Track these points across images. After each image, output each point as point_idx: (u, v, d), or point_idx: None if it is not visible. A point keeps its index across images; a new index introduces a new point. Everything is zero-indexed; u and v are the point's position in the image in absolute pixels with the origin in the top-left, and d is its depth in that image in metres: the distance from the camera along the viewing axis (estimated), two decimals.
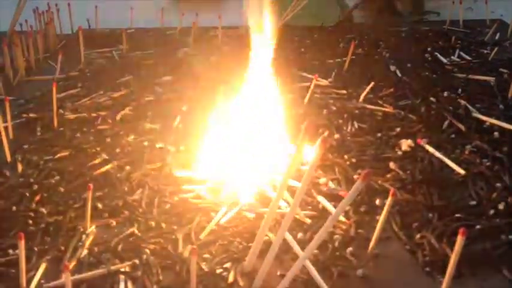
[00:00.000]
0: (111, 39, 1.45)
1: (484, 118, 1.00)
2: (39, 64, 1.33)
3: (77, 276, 0.63)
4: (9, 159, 0.90)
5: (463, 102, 1.06)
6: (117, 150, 0.91)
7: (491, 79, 1.16)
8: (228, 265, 0.67)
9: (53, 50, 1.41)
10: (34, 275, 0.65)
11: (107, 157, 0.89)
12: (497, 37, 1.47)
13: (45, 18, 1.45)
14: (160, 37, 1.48)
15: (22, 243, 0.60)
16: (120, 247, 0.70)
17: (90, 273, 0.65)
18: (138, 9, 1.56)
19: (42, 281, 0.65)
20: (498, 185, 0.82)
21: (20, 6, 1.43)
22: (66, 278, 0.57)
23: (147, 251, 0.69)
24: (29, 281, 0.64)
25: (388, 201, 0.69)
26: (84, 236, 0.72)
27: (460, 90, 1.13)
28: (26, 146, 0.94)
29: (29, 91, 1.17)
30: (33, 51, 1.32)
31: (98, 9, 1.49)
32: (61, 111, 1.03)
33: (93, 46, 1.39)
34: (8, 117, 0.96)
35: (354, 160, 0.88)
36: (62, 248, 0.70)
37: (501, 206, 0.77)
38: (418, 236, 0.72)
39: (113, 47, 1.40)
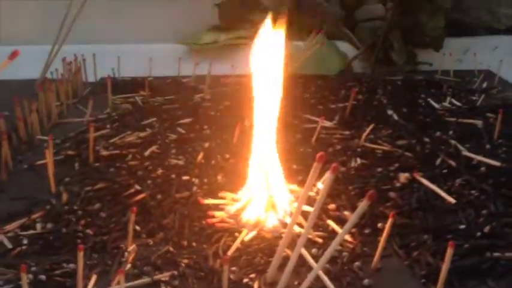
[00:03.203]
0: (133, 86, 1.58)
1: (472, 156, 1.12)
2: (69, 109, 1.46)
3: (126, 284, 0.74)
4: (53, 190, 1.02)
5: (453, 142, 1.19)
6: (148, 181, 1.03)
7: (479, 122, 1.29)
8: (252, 276, 0.78)
9: (80, 96, 1.55)
10: (87, 284, 0.76)
11: (139, 188, 1.00)
12: (484, 85, 1.61)
13: (73, 67, 1.59)
14: (177, 84, 1.62)
15: (81, 254, 0.71)
16: (159, 262, 0.81)
17: (136, 282, 0.76)
18: (156, 59, 1.69)
19: None
20: (484, 212, 0.93)
21: (52, 56, 1.58)
22: (120, 280, 0.68)
23: (183, 264, 0.80)
24: None
25: (389, 222, 0.81)
26: (126, 253, 0.83)
27: (451, 131, 1.25)
28: (67, 179, 1.05)
29: (62, 132, 1.29)
30: (64, 97, 1.45)
31: (120, 59, 1.64)
32: (97, 148, 1.15)
33: (117, 92, 1.52)
34: (51, 154, 1.08)
35: (357, 191, 1.00)
36: (109, 262, 0.81)
37: (486, 229, 0.88)
38: (415, 253, 0.84)
39: (135, 93, 1.54)
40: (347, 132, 1.25)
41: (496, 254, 0.83)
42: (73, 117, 1.40)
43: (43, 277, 0.77)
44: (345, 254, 0.83)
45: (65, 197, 0.98)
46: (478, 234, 0.87)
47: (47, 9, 1.87)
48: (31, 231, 0.89)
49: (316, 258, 0.80)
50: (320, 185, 0.97)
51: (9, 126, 1.21)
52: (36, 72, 1.60)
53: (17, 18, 1.89)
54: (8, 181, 1.08)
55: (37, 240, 0.87)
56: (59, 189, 1.01)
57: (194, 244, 0.86)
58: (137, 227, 0.89)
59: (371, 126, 1.23)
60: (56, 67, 1.56)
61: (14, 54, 0.81)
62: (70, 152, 1.16)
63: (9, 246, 0.86)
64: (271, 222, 0.89)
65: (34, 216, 0.93)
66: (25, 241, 0.87)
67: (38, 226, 0.90)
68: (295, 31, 1.79)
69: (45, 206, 0.96)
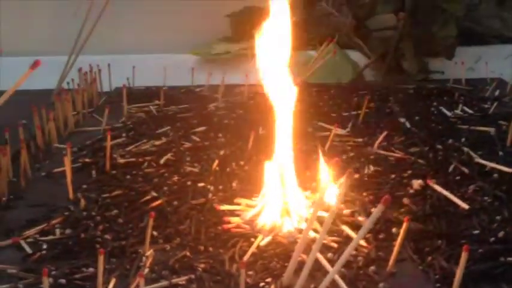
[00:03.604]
0: (147, 96, 1.61)
1: (485, 163, 1.13)
2: (84, 118, 1.49)
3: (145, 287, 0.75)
4: (71, 196, 1.04)
5: (466, 149, 1.19)
6: (164, 188, 1.05)
7: (491, 130, 1.30)
8: (269, 280, 0.79)
9: (96, 105, 1.58)
10: (106, 287, 0.77)
11: (156, 194, 1.02)
12: (497, 93, 1.62)
13: (88, 77, 1.62)
14: (191, 93, 1.65)
15: (101, 258, 0.73)
16: (176, 266, 0.82)
17: (154, 285, 0.77)
18: (170, 69, 1.72)
19: None
20: (498, 217, 0.94)
21: (68, 66, 1.61)
22: (140, 283, 0.70)
23: (200, 268, 0.81)
24: None
25: (403, 227, 0.82)
26: (144, 258, 0.84)
27: (463, 139, 1.26)
28: (84, 186, 1.07)
29: (79, 141, 1.32)
30: (80, 106, 1.48)
31: (135, 69, 1.67)
32: (114, 155, 1.17)
33: (131, 102, 1.54)
34: (68, 161, 1.10)
35: (371, 197, 1.01)
36: (128, 266, 0.82)
37: (500, 235, 0.89)
38: (429, 258, 0.85)
39: (150, 102, 1.56)
40: (360, 140, 1.27)
41: (510, 259, 0.83)
42: (89, 126, 1.42)
43: (63, 281, 0.79)
44: (360, 258, 0.84)
45: (82, 203, 1.00)
46: (492, 239, 0.88)
47: (62, 22, 1.91)
48: (50, 237, 0.91)
49: (331, 262, 0.81)
50: (335, 190, 0.97)
51: (27, 135, 1.24)
52: (52, 82, 1.63)
53: (34, 29, 1.93)
54: (27, 188, 1.10)
55: (56, 245, 0.88)
56: (77, 196, 1.03)
57: (211, 249, 0.87)
58: (154, 233, 0.90)
59: (384, 134, 1.24)
60: (72, 77, 1.59)
61: (35, 64, 0.83)
62: (87, 160, 1.18)
63: (29, 251, 0.87)
64: (286, 227, 0.91)
65: (53, 222, 0.94)
66: (44, 246, 0.88)
67: (57, 232, 0.92)
68: (308, 40, 1.81)
69: (64, 212, 0.98)
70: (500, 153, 1.19)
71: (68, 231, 0.92)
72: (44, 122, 1.32)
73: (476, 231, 0.90)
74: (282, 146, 0.96)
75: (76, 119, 1.45)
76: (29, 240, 0.90)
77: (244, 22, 1.91)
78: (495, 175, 1.08)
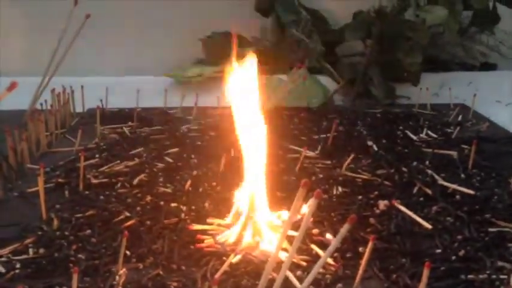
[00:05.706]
0: (120, 117, 1.63)
1: (448, 185, 1.18)
2: (57, 138, 1.49)
3: None
4: (44, 216, 1.04)
5: (430, 171, 1.24)
6: (138, 208, 1.06)
7: (454, 153, 1.35)
8: None
9: (69, 126, 1.59)
10: None
11: (129, 214, 1.04)
12: (459, 118, 1.68)
13: (61, 98, 1.63)
14: (164, 115, 1.67)
15: (75, 276, 0.74)
16: (149, 284, 0.84)
17: None
18: (144, 91, 1.74)
19: None
20: (459, 237, 0.98)
21: (42, 87, 1.62)
22: None
23: (172, 287, 0.83)
24: None
25: (369, 246, 0.85)
26: (117, 277, 0.86)
27: (427, 162, 1.31)
28: (57, 206, 1.08)
29: (51, 161, 1.32)
30: (53, 127, 1.49)
31: (108, 91, 1.69)
32: (88, 176, 1.18)
33: (105, 123, 1.56)
34: (41, 181, 1.11)
35: (339, 217, 1.05)
36: (101, 285, 0.84)
37: (461, 253, 0.93)
38: (394, 276, 0.88)
39: (123, 123, 1.58)
40: (329, 162, 1.30)
41: (470, 277, 0.87)
42: (62, 147, 1.43)
43: None
44: (328, 276, 0.87)
45: (56, 223, 1.01)
46: (453, 258, 0.92)
47: (36, 43, 1.92)
48: (24, 256, 0.91)
49: (300, 280, 0.84)
50: (305, 209, 1.00)
51: None
52: (25, 102, 1.63)
53: (7, 50, 1.93)
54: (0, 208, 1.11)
55: (30, 264, 0.89)
56: (50, 215, 1.04)
57: (183, 267, 0.89)
58: (127, 252, 0.91)
59: (352, 156, 1.28)
60: (45, 98, 1.60)
61: (12, 86, 0.85)
62: (60, 180, 1.19)
63: (2, 270, 0.88)
64: (257, 247, 0.93)
65: (26, 241, 0.95)
66: (18, 265, 0.89)
67: (31, 251, 0.93)
68: (279, 66, 1.86)
69: (37, 231, 0.98)
70: (462, 175, 1.24)
71: (41, 250, 0.93)
72: (17, 142, 1.32)
73: (439, 250, 0.95)
74: (253, 168, 0.99)
75: (49, 140, 1.45)
76: (2, 259, 0.91)
77: (217, 46, 1.95)
78: (457, 196, 1.13)
